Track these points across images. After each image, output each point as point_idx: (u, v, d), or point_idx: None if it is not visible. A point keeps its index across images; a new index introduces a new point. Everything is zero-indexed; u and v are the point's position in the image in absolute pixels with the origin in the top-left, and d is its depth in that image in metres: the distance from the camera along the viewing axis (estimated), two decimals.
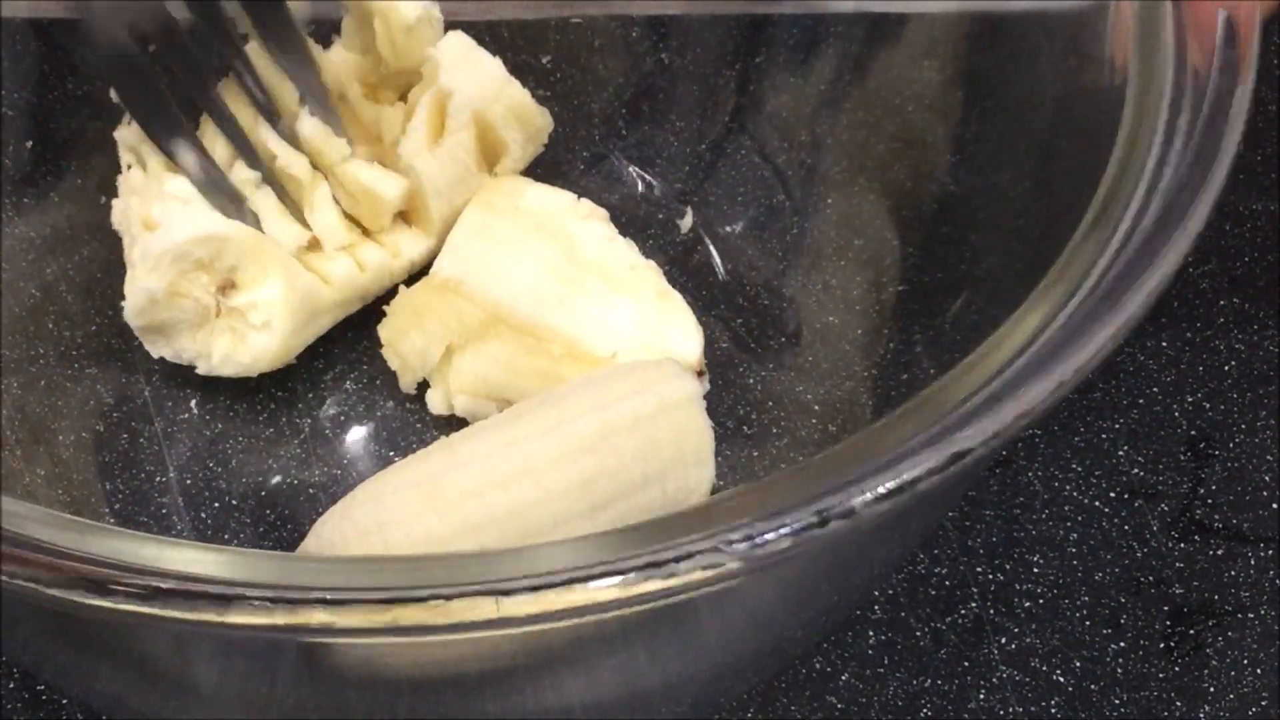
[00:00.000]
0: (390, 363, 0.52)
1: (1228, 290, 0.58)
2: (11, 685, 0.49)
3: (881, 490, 0.30)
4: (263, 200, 0.51)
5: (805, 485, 0.31)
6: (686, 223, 0.56)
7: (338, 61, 0.53)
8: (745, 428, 0.52)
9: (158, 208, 0.50)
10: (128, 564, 0.30)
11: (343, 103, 0.53)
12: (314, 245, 0.52)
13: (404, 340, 0.51)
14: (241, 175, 0.51)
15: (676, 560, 0.29)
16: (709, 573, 0.30)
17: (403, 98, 0.54)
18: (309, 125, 0.52)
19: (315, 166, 0.52)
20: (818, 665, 0.50)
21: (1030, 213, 0.44)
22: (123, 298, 0.50)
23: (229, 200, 0.50)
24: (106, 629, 0.35)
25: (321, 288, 0.51)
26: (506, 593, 0.29)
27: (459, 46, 0.53)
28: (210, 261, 0.50)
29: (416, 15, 0.52)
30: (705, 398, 0.52)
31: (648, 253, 0.53)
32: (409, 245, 0.53)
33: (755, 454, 0.52)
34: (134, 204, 0.51)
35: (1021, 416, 0.31)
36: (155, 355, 0.52)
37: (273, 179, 0.52)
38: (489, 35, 0.57)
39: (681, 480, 0.46)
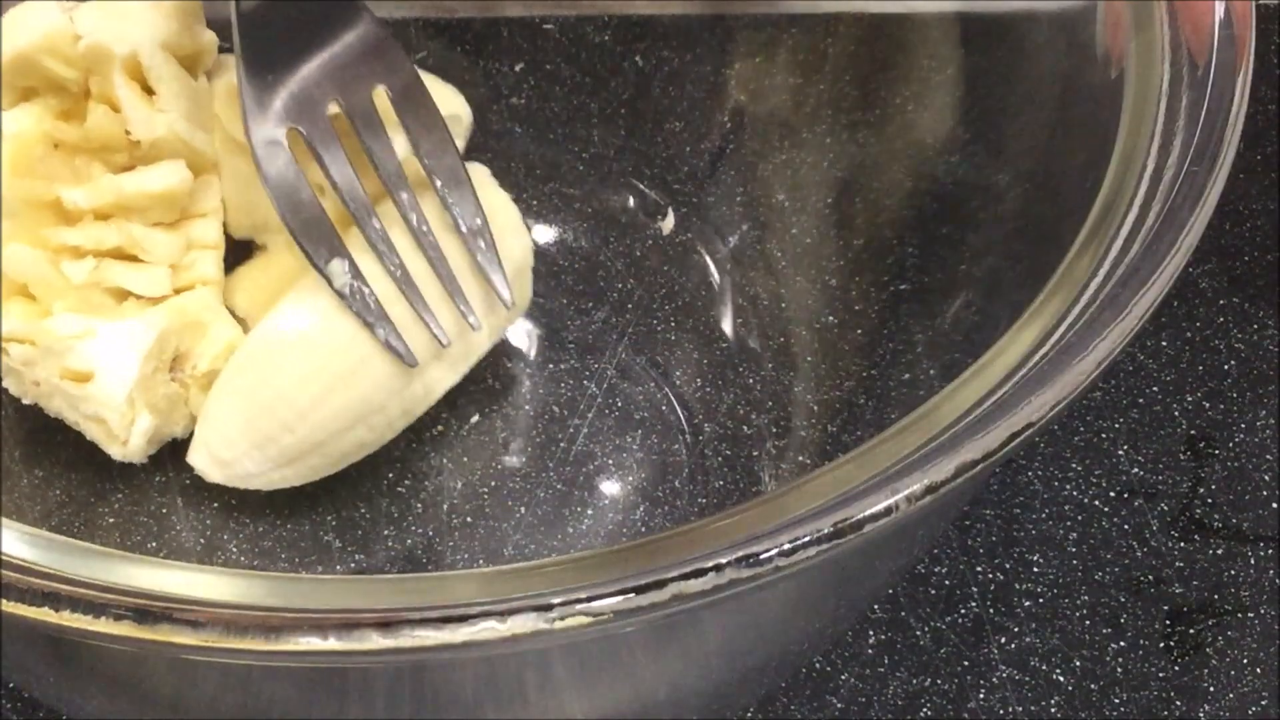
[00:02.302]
0: None
1: (1228, 290, 0.58)
2: (11, 685, 0.49)
3: (883, 506, 0.30)
4: (110, 272, 0.49)
5: (815, 497, 0.31)
6: (668, 224, 0.56)
7: (16, 125, 0.49)
8: (745, 428, 0.52)
9: (73, 357, 0.47)
10: (173, 597, 0.30)
11: (61, 149, 0.49)
12: (176, 270, 0.50)
13: None
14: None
15: (691, 575, 0.30)
16: (717, 587, 0.30)
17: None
18: (75, 195, 0.48)
19: (106, 218, 0.49)
20: (818, 665, 0.50)
21: (1031, 212, 0.44)
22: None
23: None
24: (113, 655, 0.35)
25: (220, 291, 0.50)
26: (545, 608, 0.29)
27: (92, 14, 0.49)
28: (161, 361, 0.48)
29: (72, 22, 0.48)
30: (705, 397, 0.52)
31: (644, 254, 0.53)
32: (211, 195, 0.51)
33: (755, 454, 0.52)
34: (40, 374, 0.47)
35: (1027, 427, 0.31)
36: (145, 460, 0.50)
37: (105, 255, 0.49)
38: (488, 35, 0.57)
39: (506, 254, 0.49)
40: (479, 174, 0.51)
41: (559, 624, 0.29)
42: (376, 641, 0.29)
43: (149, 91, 0.49)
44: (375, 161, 0.48)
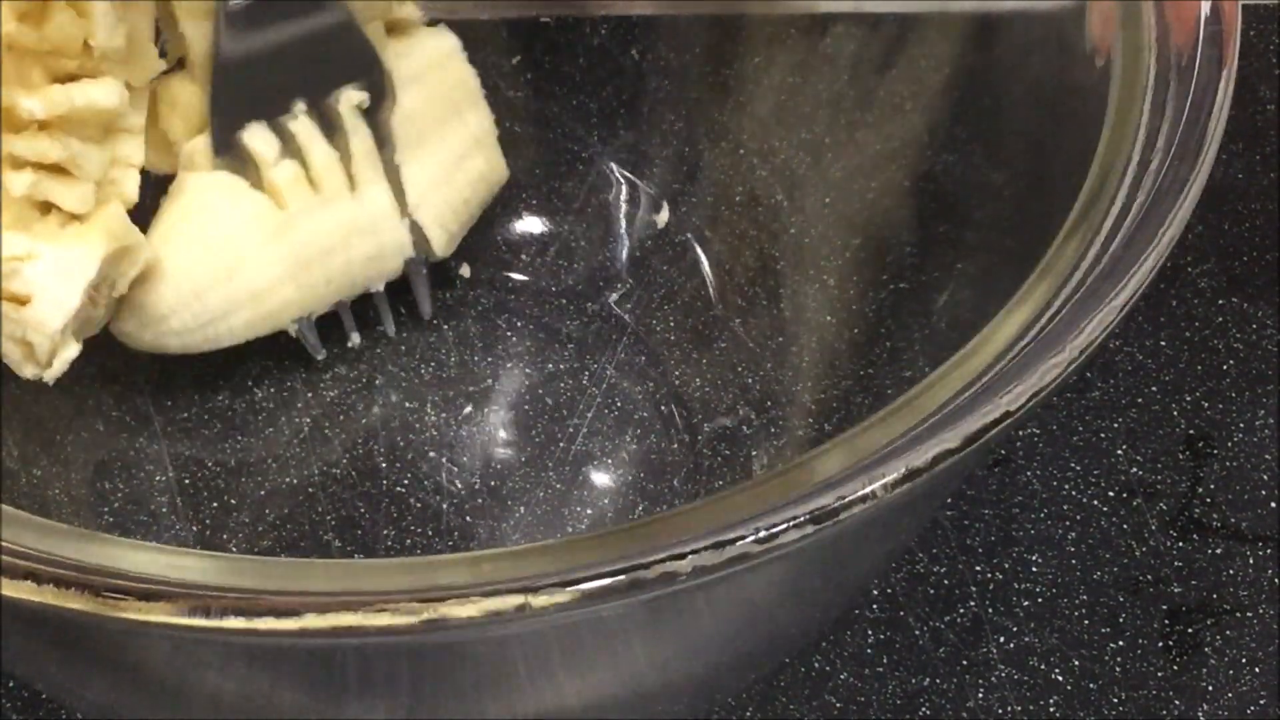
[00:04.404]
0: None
1: (1227, 290, 0.58)
2: (11, 685, 0.49)
3: (863, 493, 0.30)
4: (44, 186, 0.47)
5: (791, 486, 0.31)
6: (663, 218, 0.56)
7: None
8: (744, 427, 0.52)
9: (16, 280, 0.45)
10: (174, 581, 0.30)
11: (13, 51, 0.46)
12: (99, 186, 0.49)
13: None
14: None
15: (671, 559, 0.30)
16: (697, 569, 0.30)
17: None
18: (32, 105, 0.46)
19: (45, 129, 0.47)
20: (816, 664, 0.50)
21: (1026, 209, 0.44)
22: None
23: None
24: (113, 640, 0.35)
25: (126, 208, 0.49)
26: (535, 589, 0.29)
27: None
28: (97, 290, 0.47)
29: None
30: (704, 396, 0.52)
31: (643, 254, 0.54)
32: (138, 113, 0.50)
33: (753, 453, 0.52)
34: None
35: (1005, 416, 0.31)
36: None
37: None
38: (487, 34, 0.57)
39: (462, 130, 0.51)
40: (448, 43, 0.52)
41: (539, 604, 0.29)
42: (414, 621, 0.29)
43: None
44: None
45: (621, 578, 0.29)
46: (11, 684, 0.49)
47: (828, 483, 0.30)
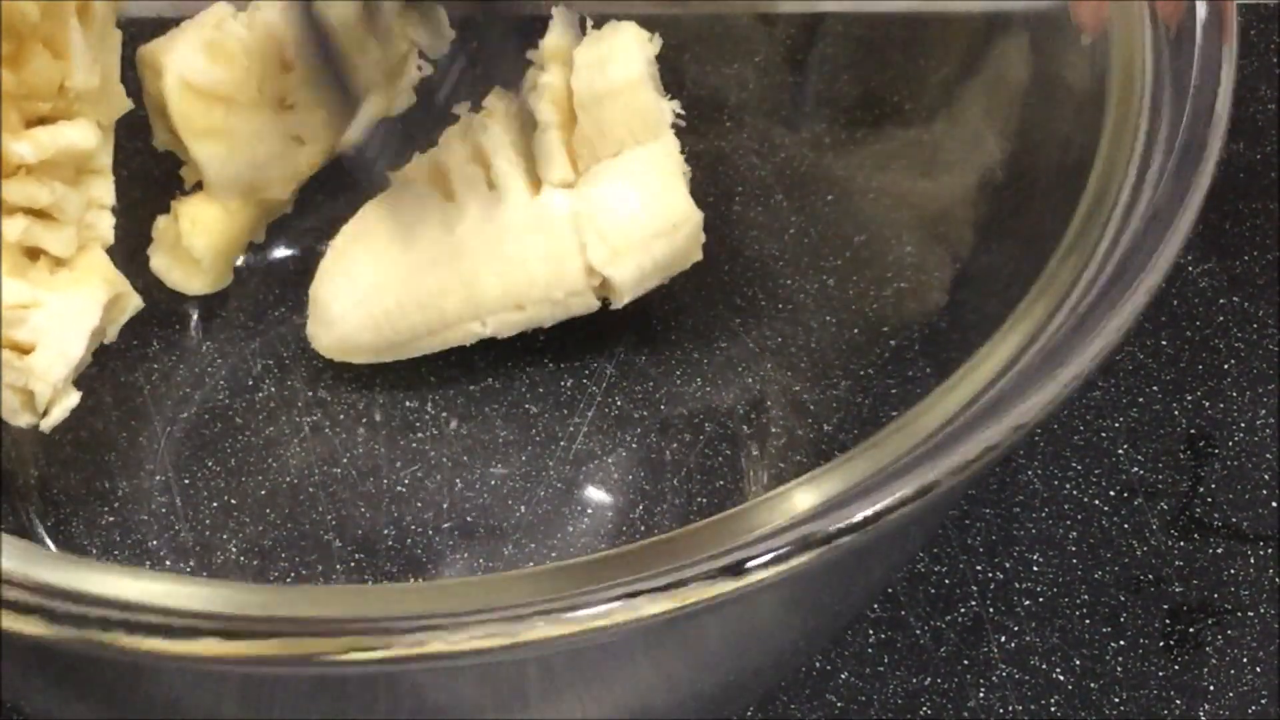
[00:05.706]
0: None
1: (1227, 289, 0.58)
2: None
3: (858, 519, 0.30)
4: (33, 231, 0.47)
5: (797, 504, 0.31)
6: None
7: None
8: (744, 427, 0.52)
9: (20, 329, 0.45)
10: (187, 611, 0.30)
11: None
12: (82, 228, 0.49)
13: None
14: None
15: (676, 585, 0.30)
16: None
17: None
18: (23, 149, 0.46)
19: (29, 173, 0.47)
20: (817, 664, 0.50)
21: (1026, 210, 0.44)
22: None
23: None
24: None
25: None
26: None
27: None
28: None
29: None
30: (705, 396, 0.52)
31: None
32: (106, 152, 0.49)
33: (754, 453, 0.52)
34: None
35: (1018, 428, 0.31)
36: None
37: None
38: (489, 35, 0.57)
39: (635, 156, 0.49)
40: (636, 69, 0.50)
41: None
42: (435, 646, 0.29)
43: (89, 19, 0.47)
44: None
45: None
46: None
47: (829, 505, 0.30)
